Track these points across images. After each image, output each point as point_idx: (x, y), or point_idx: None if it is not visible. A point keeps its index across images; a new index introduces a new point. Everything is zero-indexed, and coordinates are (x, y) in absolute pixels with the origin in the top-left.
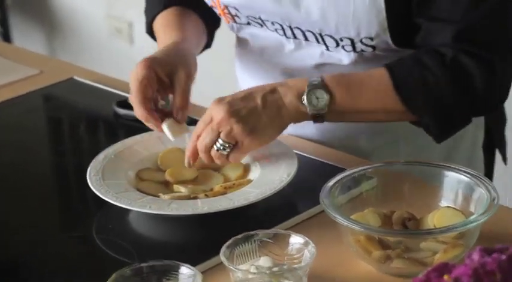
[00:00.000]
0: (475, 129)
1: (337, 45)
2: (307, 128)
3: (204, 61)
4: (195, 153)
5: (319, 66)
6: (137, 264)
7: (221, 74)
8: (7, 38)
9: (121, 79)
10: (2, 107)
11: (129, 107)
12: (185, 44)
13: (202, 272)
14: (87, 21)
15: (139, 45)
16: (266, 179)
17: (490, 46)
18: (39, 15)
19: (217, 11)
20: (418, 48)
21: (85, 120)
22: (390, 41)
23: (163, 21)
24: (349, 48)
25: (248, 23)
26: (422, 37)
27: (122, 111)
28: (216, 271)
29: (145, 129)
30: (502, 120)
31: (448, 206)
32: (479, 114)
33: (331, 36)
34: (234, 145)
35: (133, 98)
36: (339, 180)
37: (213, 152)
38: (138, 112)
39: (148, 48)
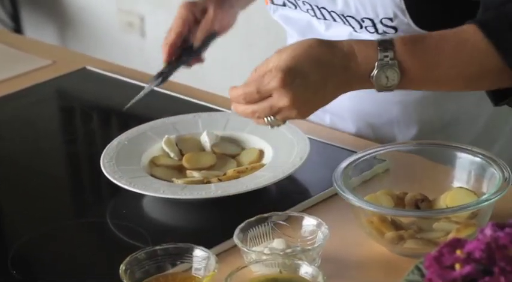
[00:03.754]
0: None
1: (361, 26)
2: (345, 120)
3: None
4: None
5: None
6: (151, 247)
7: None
8: (19, 33)
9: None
10: (15, 97)
11: None
12: None
13: (217, 255)
14: (99, 15)
15: (151, 38)
16: (279, 163)
17: None
18: (51, 10)
19: None
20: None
21: (98, 109)
22: (412, 23)
23: None
24: (372, 29)
25: (284, 4)
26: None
27: None
28: (230, 253)
29: (158, 117)
30: None
31: (461, 187)
32: None
33: (353, 17)
34: None
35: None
36: (351, 162)
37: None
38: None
39: (160, 40)
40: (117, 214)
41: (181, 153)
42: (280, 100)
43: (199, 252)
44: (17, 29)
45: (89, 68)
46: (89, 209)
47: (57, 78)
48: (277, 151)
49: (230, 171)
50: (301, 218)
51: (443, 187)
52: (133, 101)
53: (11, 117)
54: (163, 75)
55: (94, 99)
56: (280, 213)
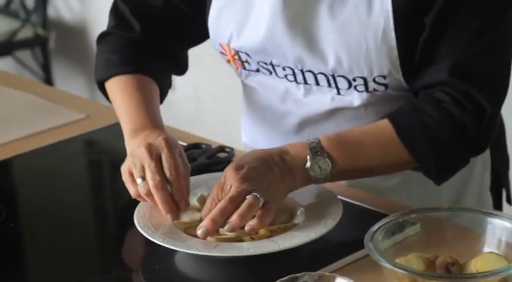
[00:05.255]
0: (483, 171)
1: (350, 86)
2: None
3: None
4: (216, 220)
5: (329, 112)
6: None
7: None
8: (49, 83)
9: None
10: (49, 150)
11: None
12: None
13: None
14: None
15: (180, 93)
16: (311, 223)
17: (483, 87)
18: (82, 62)
19: (227, 57)
20: (416, 90)
21: None
22: (402, 79)
23: (136, 91)
24: (362, 88)
25: (257, 70)
26: (424, 79)
27: None
28: None
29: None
30: (506, 161)
31: (491, 252)
32: (474, 155)
33: (344, 77)
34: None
35: (176, 170)
36: (383, 225)
37: (246, 203)
38: (178, 186)
39: (189, 95)
40: (150, 269)
41: None
42: (236, 182)
43: None
44: (48, 79)
45: None
46: (121, 263)
47: (90, 133)
48: (309, 211)
49: (262, 230)
50: (333, 279)
51: (474, 252)
52: None
53: (43, 170)
54: None
55: (125, 154)
56: (312, 273)
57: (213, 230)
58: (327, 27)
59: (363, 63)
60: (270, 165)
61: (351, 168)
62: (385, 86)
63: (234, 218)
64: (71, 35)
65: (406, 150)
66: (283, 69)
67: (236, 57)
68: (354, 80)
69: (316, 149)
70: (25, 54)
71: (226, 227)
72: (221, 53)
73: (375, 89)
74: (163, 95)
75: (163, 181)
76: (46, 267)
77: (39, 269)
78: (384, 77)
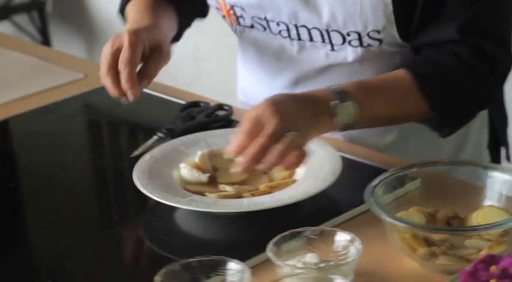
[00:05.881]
0: (480, 128)
1: (344, 41)
2: None
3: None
4: (257, 157)
5: (324, 68)
6: (186, 259)
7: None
8: (47, 46)
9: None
10: (46, 110)
11: None
12: (163, 28)
13: (250, 268)
14: None
15: (178, 54)
16: (311, 178)
17: (494, 41)
18: (79, 24)
19: (222, 12)
20: (418, 47)
21: (127, 123)
22: (397, 35)
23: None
24: (356, 42)
25: (252, 26)
26: (429, 37)
27: None
28: (264, 267)
29: (188, 132)
30: (505, 119)
31: (492, 205)
32: (484, 107)
33: (338, 32)
34: None
35: (126, 59)
36: (383, 180)
37: (286, 141)
38: (126, 75)
39: (189, 55)
40: (150, 227)
41: (214, 168)
42: (274, 118)
43: (233, 265)
44: (46, 43)
45: None
46: (121, 222)
47: (88, 92)
48: (309, 167)
49: (262, 186)
50: (334, 233)
51: (475, 205)
52: (141, 149)
53: (41, 130)
54: (172, 134)
55: (123, 114)
56: (313, 228)
57: (253, 167)
58: None
59: (358, 18)
60: (302, 107)
61: (374, 115)
62: (379, 41)
63: (274, 156)
64: None
65: (424, 100)
66: (277, 24)
67: (231, 12)
68: (348, 34)
69: (344, 94)
70: (22, 18)
71: (263, 165)
72: (217, 8)
73: (369, 44)
74: (181, 31)
75: (110, 69)
76: (46, 226)
77: (39, 228)
78: (378, 32)
